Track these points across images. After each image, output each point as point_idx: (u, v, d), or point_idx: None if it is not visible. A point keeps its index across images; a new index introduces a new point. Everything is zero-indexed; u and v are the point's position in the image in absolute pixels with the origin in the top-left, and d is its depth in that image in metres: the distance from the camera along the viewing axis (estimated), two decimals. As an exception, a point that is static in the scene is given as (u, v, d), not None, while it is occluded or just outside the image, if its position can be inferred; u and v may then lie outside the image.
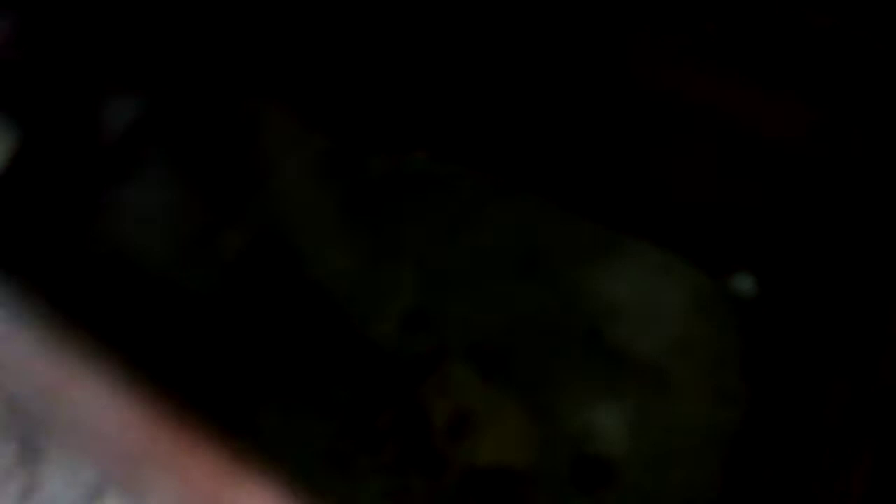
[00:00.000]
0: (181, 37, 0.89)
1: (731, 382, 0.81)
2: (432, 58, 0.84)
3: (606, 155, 0.83)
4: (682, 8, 0.70)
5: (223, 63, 0.90)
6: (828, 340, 0.79)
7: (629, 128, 0.81)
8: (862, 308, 0.76)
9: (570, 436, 0.78)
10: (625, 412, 0.80)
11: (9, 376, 0.60)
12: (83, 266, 0.83)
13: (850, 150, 0.74)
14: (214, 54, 0.90)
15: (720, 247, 0.83)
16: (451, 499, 0.74)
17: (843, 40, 0.67)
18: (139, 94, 0.87)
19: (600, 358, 0.80)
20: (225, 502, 0.60)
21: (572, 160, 0.84)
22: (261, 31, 0.88)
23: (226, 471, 0.60)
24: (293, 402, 0.77)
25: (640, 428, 0.79)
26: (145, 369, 0.79)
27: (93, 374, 0.60)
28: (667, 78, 0.75)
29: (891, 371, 0.67)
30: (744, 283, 0.84)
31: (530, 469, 0.76)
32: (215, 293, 0.80)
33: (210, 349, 0.78)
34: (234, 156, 0.87)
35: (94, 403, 0.59)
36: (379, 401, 0.77)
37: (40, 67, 0.78)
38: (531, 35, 0.78)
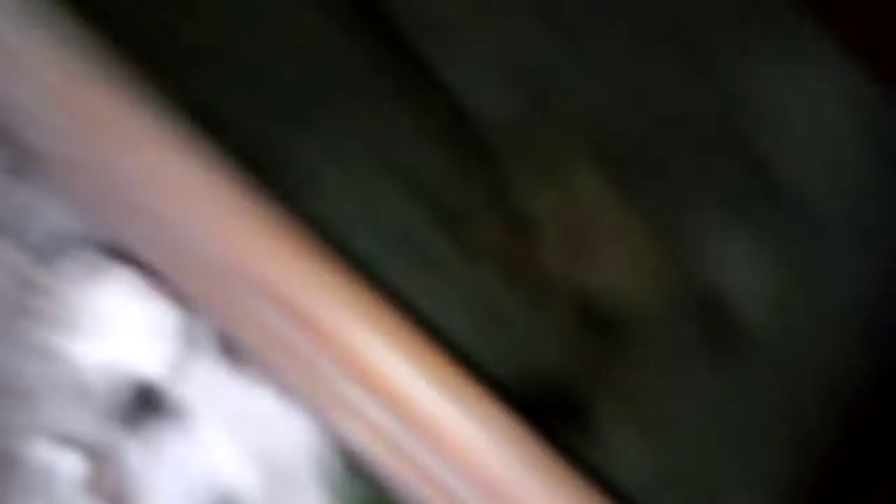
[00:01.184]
0: None
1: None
2: None
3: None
4: None
5: None
6: None
7: None
8: None
9: (699, 273, 0.61)
10: (771, 256, 0.63)
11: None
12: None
13: None
14: None
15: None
16: (551, 319, 0.58)
17: None
18: None
19: (752, 182, 0.63)
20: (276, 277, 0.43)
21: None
22: None
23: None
24: (359, 163, 0.59)
25: (786, 281, 0.63)
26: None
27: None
28: None
29: None
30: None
31: (647, 302, 0.59)
32: None
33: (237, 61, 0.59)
34: None
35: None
36: (471, 182, 0.59)
37: None
38: None
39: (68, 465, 0.49)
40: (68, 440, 0.49)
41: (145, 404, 0.50)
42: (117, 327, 0.49)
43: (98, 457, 0.50)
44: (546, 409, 0.55)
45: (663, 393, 0.58)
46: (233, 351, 0.49)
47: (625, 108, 0.62)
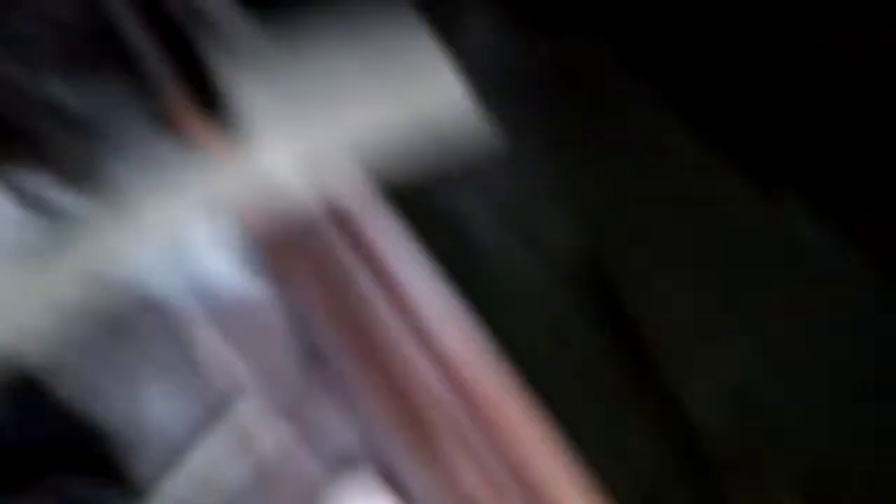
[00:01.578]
0: None
1: None
2: None
3: None
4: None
5: None
6: None
7: None
8: None
9: None
10: None
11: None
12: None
13: None
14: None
15: None
16: None
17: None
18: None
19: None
20: None
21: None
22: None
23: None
24: (589, 442, 0.67)
25: None
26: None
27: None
28: None
29: None
30: None
31: None
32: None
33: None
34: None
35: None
36: (684, 487, 0.66)
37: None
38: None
39: None
40: None
41: None
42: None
43: None
44: None
45: None
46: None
47: (848, 449, 0.67)
